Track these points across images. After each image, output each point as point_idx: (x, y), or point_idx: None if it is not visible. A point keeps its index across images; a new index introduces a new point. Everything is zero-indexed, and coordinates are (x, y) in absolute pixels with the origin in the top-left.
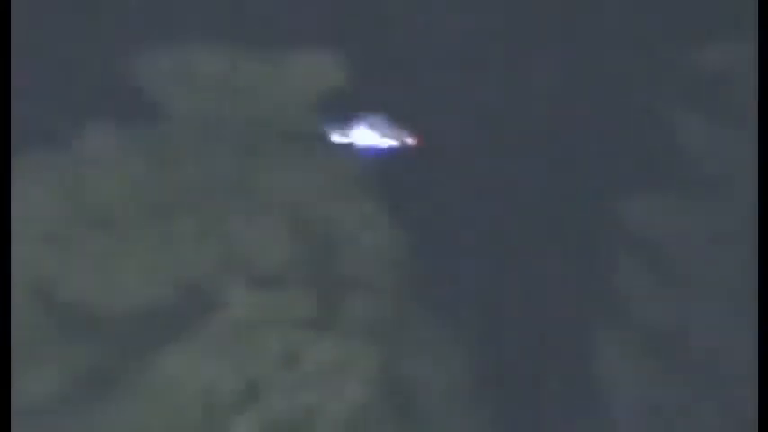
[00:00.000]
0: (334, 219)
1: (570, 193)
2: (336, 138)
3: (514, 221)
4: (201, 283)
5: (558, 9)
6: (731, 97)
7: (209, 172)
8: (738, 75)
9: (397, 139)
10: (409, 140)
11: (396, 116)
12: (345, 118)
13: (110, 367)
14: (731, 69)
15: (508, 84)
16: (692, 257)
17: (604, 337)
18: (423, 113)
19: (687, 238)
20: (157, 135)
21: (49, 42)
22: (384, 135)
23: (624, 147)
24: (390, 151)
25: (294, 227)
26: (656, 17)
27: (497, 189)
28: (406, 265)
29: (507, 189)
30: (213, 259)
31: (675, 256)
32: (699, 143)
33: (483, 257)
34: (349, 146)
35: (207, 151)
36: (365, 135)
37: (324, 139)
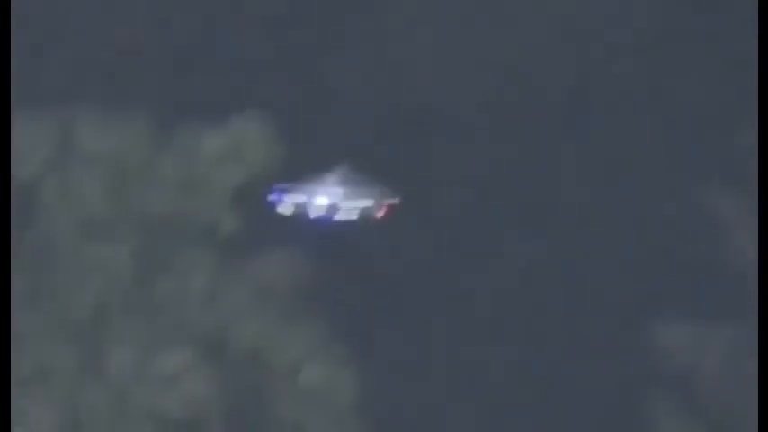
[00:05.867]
0: (265, 348)
1: None
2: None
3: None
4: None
5: None
6: None
7: (92, 286)
8: None
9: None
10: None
11: None
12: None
13: None
14: None
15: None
16: None
17: None
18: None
19: None
20: (27, 235)
21: None
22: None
23: None
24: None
25: (210, 360)
26: None
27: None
28: (362, 413)
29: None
30: (98, 403)
31: None
32: None
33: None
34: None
35: (91, 257)
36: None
37: (249, 237)
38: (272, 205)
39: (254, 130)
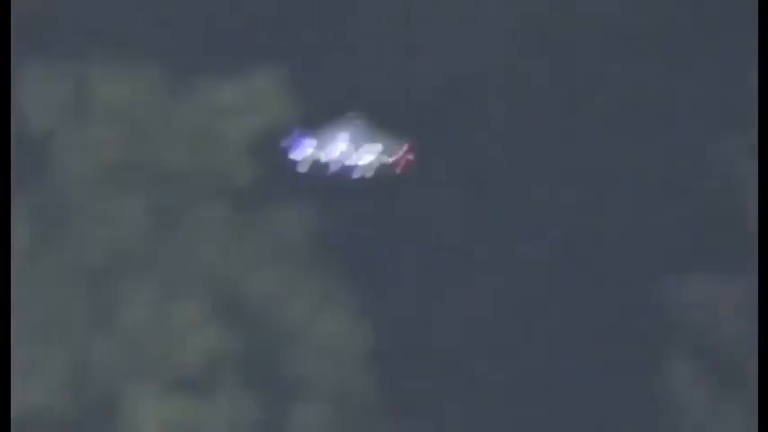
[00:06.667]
0: (277, 301)
1: None
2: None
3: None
4: (98, 388)
5: None
6: None
7: (108, 239)
8: None
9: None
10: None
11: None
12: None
13: None
14: None
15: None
16: None
17: None
18: None
19: None
20: (43, 192)
21: None
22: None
23: None
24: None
25: (222, 314)
26: None
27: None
28: (373, 365)
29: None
30: (113, 356)
31: None
32: None
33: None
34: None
35: (106, 212)
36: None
37: (262, 192)
38: (288, 151)
39: (270, 82)
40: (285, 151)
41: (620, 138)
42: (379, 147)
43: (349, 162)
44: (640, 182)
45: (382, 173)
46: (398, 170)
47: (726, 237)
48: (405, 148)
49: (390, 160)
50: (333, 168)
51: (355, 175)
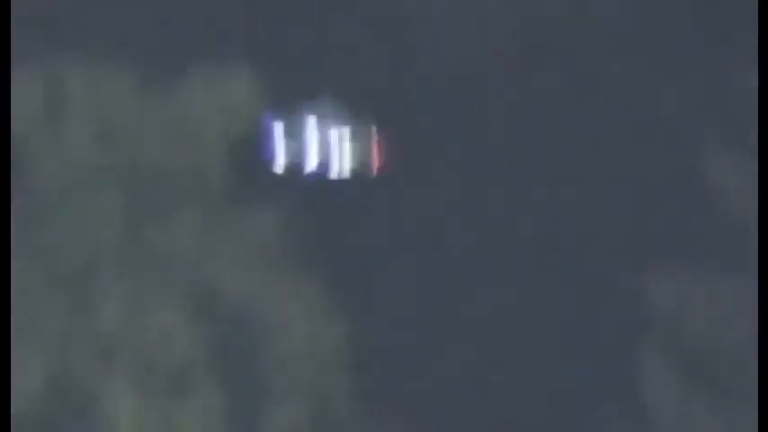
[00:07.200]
0: (253, 301)
1: None
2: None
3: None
4: (75, 388)
5: None
6: None
7: (81, 236)
8: None
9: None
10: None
11: None
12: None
13: None
14: None
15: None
16: None
17: None
18: None
19: None
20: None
21: None
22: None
23: None
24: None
25: (198, 313)
26: None
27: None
28: (351, 366)
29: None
30: (85, 354)
31: None
32: None
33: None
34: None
35: (78, 209)
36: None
37: (238, 186)
38: (262, 147)
39: (246, 80)
40: (260, 150)
41: (618, 137)
42: (346, 131)
43: (325, 161)
44: (639, 182)
45: (360, 172)
46: (375, 170)
47: (723, 237)
48: (373, 136)
49: (369, 160)
50: (308, 169)
51: (332, 175)
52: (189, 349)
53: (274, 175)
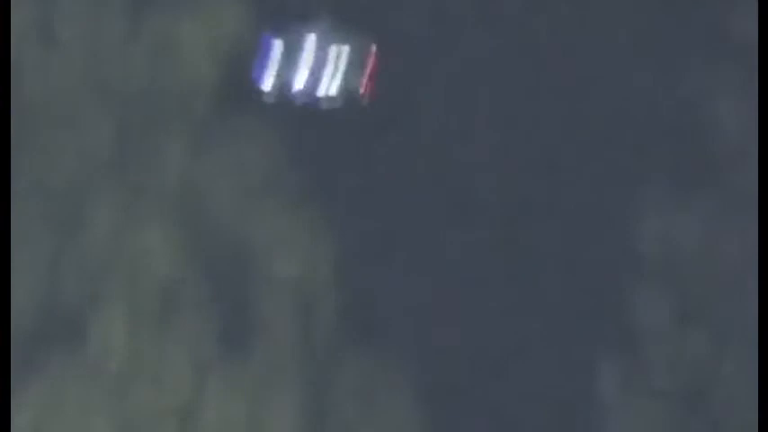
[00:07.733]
0: (244, 227)
1: None
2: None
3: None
4: (60, 308)
5: None
6: None
7: (71, 159)
8: None
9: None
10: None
11: None
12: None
13: None
14: None
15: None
16: None
17: None
18: None
19: None
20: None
21: None
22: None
23: None
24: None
25: (185, 238)
26: None
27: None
28: (341, 293)
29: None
30: (74, 275)
31: None
32: None
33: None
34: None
35: (68, 129)
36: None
37: (227, 104)
38: (261, 51)
39: (233, 7)
40: (252, 75)
41: (612, 71)
42: (346, 48)
43: (316, 90)
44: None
45: (350, 101)
46: (366, 98)
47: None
48: (372, 54)
49: (359, 82)
50: (299, 98)
51: (323, 105)
52: (173, 273)
53: (263, 94)
